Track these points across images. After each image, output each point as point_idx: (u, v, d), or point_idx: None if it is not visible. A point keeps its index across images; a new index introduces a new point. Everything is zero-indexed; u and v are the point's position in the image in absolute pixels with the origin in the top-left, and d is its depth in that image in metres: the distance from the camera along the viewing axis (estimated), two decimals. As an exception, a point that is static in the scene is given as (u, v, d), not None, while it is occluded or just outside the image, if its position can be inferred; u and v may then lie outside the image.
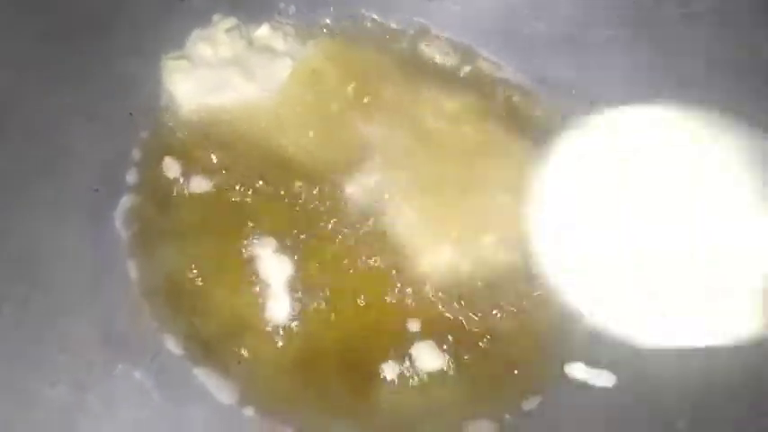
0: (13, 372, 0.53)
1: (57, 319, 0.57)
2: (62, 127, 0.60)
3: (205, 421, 0.61)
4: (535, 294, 0.65)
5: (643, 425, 0.61)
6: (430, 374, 0.63)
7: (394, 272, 0.65)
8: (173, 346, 0.62)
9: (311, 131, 0.68)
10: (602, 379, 0.63)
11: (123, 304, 0.61)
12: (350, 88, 0.70)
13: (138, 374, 0.59)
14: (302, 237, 0.65)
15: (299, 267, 0.64)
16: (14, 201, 0.57)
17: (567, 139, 0.65)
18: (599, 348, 0.64)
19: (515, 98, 0.72)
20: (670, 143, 0.63)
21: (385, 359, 0.63)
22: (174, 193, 0.65)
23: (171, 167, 0.66)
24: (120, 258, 0.63)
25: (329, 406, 0.62)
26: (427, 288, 0.65)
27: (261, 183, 0.66)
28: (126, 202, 0.65)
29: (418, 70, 0.72)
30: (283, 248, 0.64)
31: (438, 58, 0.74)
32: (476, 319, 0.64)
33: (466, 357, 0.63)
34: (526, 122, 0.71)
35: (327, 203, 0.66)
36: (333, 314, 0.64)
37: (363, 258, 0.65)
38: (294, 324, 0.63)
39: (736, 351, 0.58)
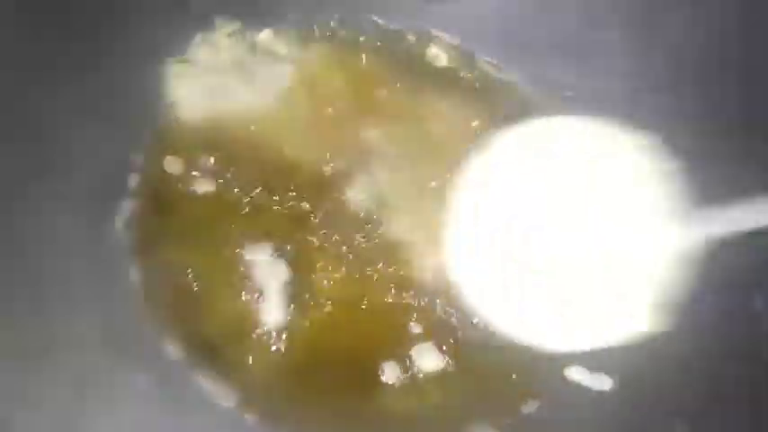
0: (14, 373, 0.53)
1: (57, 321, 0.57)
2: (63, 130, 0.60)
3: (206, 425, 0.61)
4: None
5: (642, 428, 0.61)
6: (430, 377, 0.63)
7: (394, 275, 0.65)
8: (173, 349, 0.62)
9: (312, 136, 0.68)
10: (601, 382, 0.63)
11: (124, 307, 0.62)
12: (351, 93, 0.70)
13: (138, 377, 0.59)
14: (302, 240, 0.65)
15: (299, 271, 0.64)
16: (15, 202, 0.57)
17: (488, 148, 0.66)
18: (598, 351, 0.64)
19: (515, 101, 0.73)
20: (583, 154, 0.64)
21: (385, 362, 0.63)
22: (176, 197, 0.65)
23: (172, 171, 0.66)
24: (122, 261, 0.63)
25: (329, 409, 0.62)
26: (427, 291, 0.65)
27: (262, 187, 0.66)
28: (127, 205, 0.65)
29: (419, 75, 0.72)
30: (283, 253, 0.65)
31: (438, 63, 0.74)
32: (475, 321, 0.64)
33: (466, 360, 0.63)
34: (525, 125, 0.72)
35: (327, 208, 0.66)
36: (333, 318, 0.64)
37: (363, 261, 0.65)
38: (294, 328, 0.63)
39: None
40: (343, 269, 0.65)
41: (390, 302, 0.64)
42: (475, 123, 0.71)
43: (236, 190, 0.66)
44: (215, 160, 0.67)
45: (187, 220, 0.65)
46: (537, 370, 0.64)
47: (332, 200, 0.66)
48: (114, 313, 0.61)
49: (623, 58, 0.68)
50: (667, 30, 0.66)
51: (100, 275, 0.61)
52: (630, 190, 0.63)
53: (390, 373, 0.63)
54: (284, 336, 0.63)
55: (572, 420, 0.63)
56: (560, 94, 0.72)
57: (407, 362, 0.63)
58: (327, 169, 0.67)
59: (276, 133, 0.68)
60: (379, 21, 0.73)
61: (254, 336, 0.62)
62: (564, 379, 0.64)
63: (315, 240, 0.65)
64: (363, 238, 0.66)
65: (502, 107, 0.72)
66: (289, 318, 0.63)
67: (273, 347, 0.62)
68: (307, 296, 0.64)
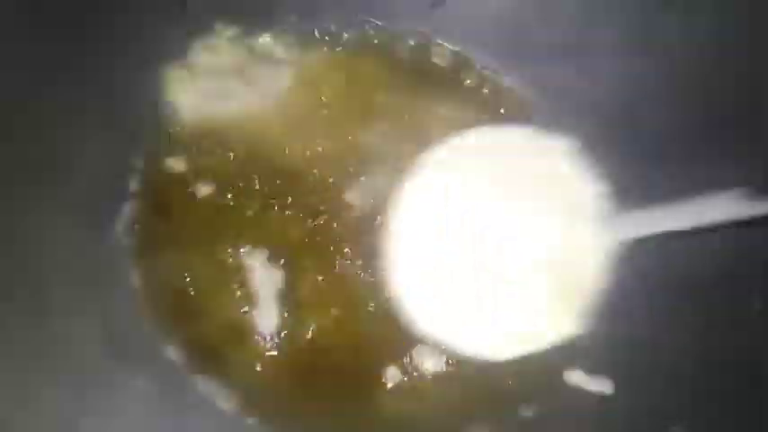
0: (14, 374, 0.53)
1: (57, 323, 0.57)
2: (63, 133, 0.60)
3: (206, 427, 0.61)
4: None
5: (640, 430, 0.61)
6: (430, 379, 0.63)
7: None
8: (173, 352, 0.62)
9: (312, 140, 0.68)
10: (600, 385, 0.63)
11: (124, 309, 0.62)
12: (350, 96, 0.70)
13: (139, 380, 0.59)
14: (300, 243, 0.65)
15: (299, 274, 0.64)
16: (15, 204, 0.57)
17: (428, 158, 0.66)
18: (597, 354, 0.64)
19: (516, 105, 0.73)
20: (512, 163, 0.65)
21: (385, 364, 0.63)
22: (175, 200, 0.66)
23: (172, 174, 0.66)
24: (122, 264, 0.63)
25: (330, 411, 0.62)
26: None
27: (261, 190, 0.66)
28: (127, 209, 0.65)
29: (419, 78, 0.73)
30: (282, 255, 0.65)
31: (439, 66, 0.74)
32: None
33: (465, 362, 0.63)
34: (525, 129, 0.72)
35: (326, 211, 0.66)
36: (333, 320, 0.64)
37: (363, 263, 0.65)
38: (295, 331, 0.63)
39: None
40: (343, 271, 0.65)
41: (390, 305, 0.64)
42: (475, 125, 0.71)
43: (235, 193, 0.66)
44: (215, 163, 0.67)
45: (186, 222, 0.65)
46: (536, 372, 0.64)
47: (331, 203, 0.66)
48: (114, 315, 0.61)
49: (621, 61, 0.68)
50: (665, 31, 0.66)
51: (100, 277, 0.61)
52: (558, 195, 0.64)
53: (390, 376, 0.63)
54: (284, 339, 0.63)
55: (571, 423, 0.62)
56: (559, 97, 0.72)
57: (407, 364, 0.63)
58: (327, 172, 0.67)
59: (276, 137, 0.68)
60: (379, 24, 0.73)
61: (253, 338, 0.63)
62: (563, 381, 0.64)
63: (313, 243, 0.65)
64: (362, 238, 0.66)
65: (501, 110, 0.72)
66: (289, 320, 0.63)
67: (272, 350, 0.62)
68: (306, 299, 0.64)
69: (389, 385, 0.63)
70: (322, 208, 0.66)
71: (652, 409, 0.60)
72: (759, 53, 0.63)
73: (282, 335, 0.63)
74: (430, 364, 0.63)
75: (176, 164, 0.67)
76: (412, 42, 0.74)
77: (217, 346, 0.62)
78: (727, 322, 0.61)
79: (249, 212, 0.66)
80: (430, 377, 0.63)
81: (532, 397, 0.64)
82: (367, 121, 0.70)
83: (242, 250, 0.64)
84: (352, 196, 0.67)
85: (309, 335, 0.63)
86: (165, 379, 0.60)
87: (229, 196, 0.66)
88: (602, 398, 0.62)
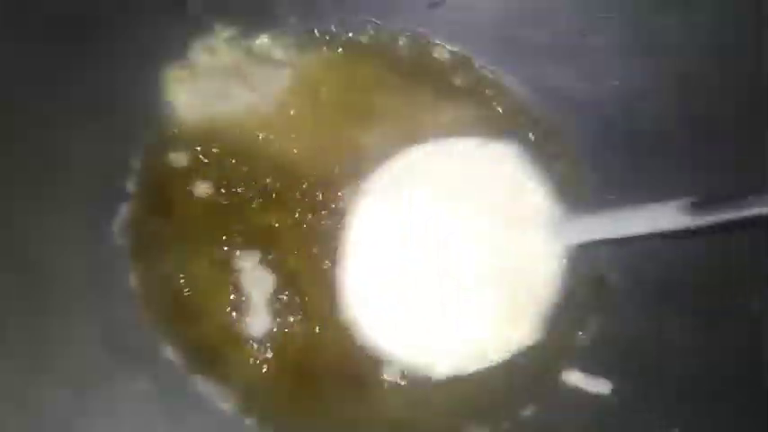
0: (13, 376, 0.54)
1: (56, 324, 0.57)
2: (62, 134, 0.60)
3: (205, 428, 0.61)
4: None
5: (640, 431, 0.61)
6: (429, 380, 0.63)
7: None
8: (172, 353, 0.62)
9: (310, 141, 0.68)
10: (600, 385, 0.63)
11: (123, 310, 0.62)
12: (349, 97, 0.70)
13: (137, 381, 0.59)
14: (298, 244, 0.65)
15: (298, 275, 0.64)
16: (14, 203, 0.57)
17: (387, 171, 0.66)
18: (596, 355, 0.64)
19: (514, 106, 0.73)
20: (463, 176, 0.65)
21: (384, 365, 0.63)
22: (174, 202, 0.65)
23: (170, 175, 0.66)
24: (120, 264, 0.63)
25: (329, 412, 0.62)
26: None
27: (260, 191, 0.66)
28: (126, 209, 0.65)
29: (417, 79, 0.72)
30: (281, 256, 0.65)
31: (438, 66, 0.73)
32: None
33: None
34: (525, 131, 0.72)
35: (325, 212, 0.66)
36: (332, 321, 0.64)
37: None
38: (294, 332, 0.63)
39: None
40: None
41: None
42: (473, 127, 0.71)
43: (233, 194, 0.66)
44: (214, 164, 0.67)
45: (185, 223, 0.65)
46: (535, 372, 0.64)
47: (330, 203, 0.66)
48: (113, 316, 0.61)
49: (621, 61, 0.68)
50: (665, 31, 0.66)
51: (98, 278, 0.61)
52: (508, 203, 0.64)
53: (390, 376, 0.63)
54: (282, 339, 0.63)
55: (570, 423, 0.62)
56: (559, 97, 0.71)
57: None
58: (326, 173, 0.67)
59: (274, 138, 0.68)
60: (378, 24, 0.73)
61: (252, 338, 0.63)
62: (562, 382, 0.64)
63: (312, 243, 0.65)
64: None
65: (500, 111, 0.72)
66: (287, 321, 0.63)
67: (271, 351, 0.62)
68: (305, 300, 0.64)
69: (389, 386, 0.63)
70: (321, 209, 0.66)
71: (651, 410, 0.60)
72: (760, 53, 0.63)
73: (281, 336, 0.63)
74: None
75: (175, 164, 0.67)
76: (411, 43, 0.74)
77: (216, 346, 0.62)
78: (726, 323, 0.61)
79: (247, 213, 0.65)
80: (430, 378, 0.63)
81: (532, 397, 0.64)
82: (366, 121, 0.70)
83: (239, 251, 0.64)
84: (353, 197, 0.67)
85: (308, 336, 0.63)
86: (164, 379, 0.60)
87: (228, 197, 0.66)
88: (601, 398, 0.62)
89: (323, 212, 0.66)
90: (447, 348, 0.62)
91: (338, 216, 0.66)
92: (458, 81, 0.73)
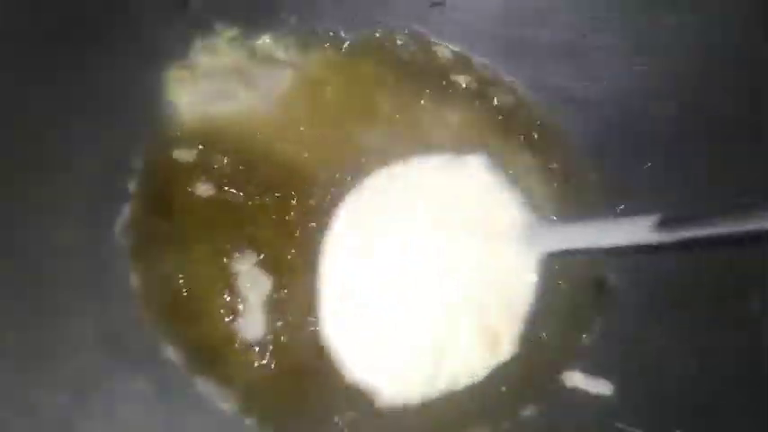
0: (12, 377, 0.54)
1: (55, 323, 0.57)
2: (62, 134, 0.60)
3: (205, 428, 0.61)
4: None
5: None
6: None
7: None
8: (172, 353, 0.62)
9: (311, 140, 0.68)
10: (601, 386, 0.63)
11: (123, 310, 0.62)
12: (351, 98, 0.70)
13: (137, 381, 0.59)
14: (299, 245, 0.65)
15: (297, 276, 0.64)
16: (14, 204, 0.57)
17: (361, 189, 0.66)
18: (597, 355, 0.64)
19: (515, 106, 0.73)
20: (436, 192, 0.64)
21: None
22: (175, 202, 0.65)
23: (171, 176, 0.66)
24: (121, 264, 0.63)
25: (328, 413, 0.62)
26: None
27: (261, 192, 0.66)
28: (126, 209, 0.64)
29: (418, 78, 0.72)
30: (281, 257, 0.64)
31: (439, 66, 0.73)
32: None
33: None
34: (525, 131, 0.72)
35: (325, 212, 0.66)
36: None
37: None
38: (295, 333, 0.63)
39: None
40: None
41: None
42: (475, 128, 0.71)
43: (234, 194, 0.66)
44: (215, 164, 0.66)
45: (185, 223, 0.64)
46: (536, 372, 0.64)
47: (331, 204, 0.66)
48: (113, 316, 0.61)
49: (621, 61, 0.68)
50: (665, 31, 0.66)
51: (99, 278, 0.61)
52: (479, 218, 0.63)
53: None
54: (283, 340, 0.63)
55: (571, 423, 0.62)
56: (559, 97, 0.72)
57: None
58: (327, 173, 0.67)
59: (276, 138, 0.68)
60: (379, 24, 0.73)
61: (252, 339, 0.62)
62: (563, 382, 0.64)
63: (312, 244, 0.65)
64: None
65: (501, 112, 0.72)
66: (287, 322, 0.63)
67: (271, 351, 0.62)
68: (304, 301, 0.64)
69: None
70: (320, 210, 0.66)
71: (652, 411, 0.60)
72: (760, 53, 0.63)
73: (282, 336, 0.63)
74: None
75: (176, 164, 0.66)
76: (411, 42, 0.74)
77: (216, 346, 0.62)
78: (726, 323, 0.61)
79: (248, 213, 0.65)
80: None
81: (532, 397, 0.64)
82: (367, 121, 0.70)
83: (239, 252, 0.64)
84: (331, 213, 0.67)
85: (308, 336, 0.63)
86: (164, 379, 0.60)
87: (229, 197, 0.66)
88: (601, 399, 0.62)
89: (322, 213, 0.66)
90: (420, 371, 0.61)
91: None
92: (458, 81, 0.73)
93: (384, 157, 0.68)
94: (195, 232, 0.64)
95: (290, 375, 0.62)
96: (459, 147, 0.69)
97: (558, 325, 0.65)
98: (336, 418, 0.62)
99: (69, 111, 0.61)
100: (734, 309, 0.61)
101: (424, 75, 0.73)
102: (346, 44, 0.73)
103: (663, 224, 0.48)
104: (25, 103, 0.59)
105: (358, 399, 0.62)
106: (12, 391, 0.53)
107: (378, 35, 0.73)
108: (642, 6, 0.67)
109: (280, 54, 0.71)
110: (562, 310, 0.66)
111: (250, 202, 0.66)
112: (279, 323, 0.63)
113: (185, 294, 0.63)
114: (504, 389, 0.63)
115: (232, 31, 0.70)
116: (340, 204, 0.65)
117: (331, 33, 0.72)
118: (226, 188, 0.66)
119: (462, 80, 0.73)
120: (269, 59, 0.71)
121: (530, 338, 0.64)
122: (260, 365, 0.62)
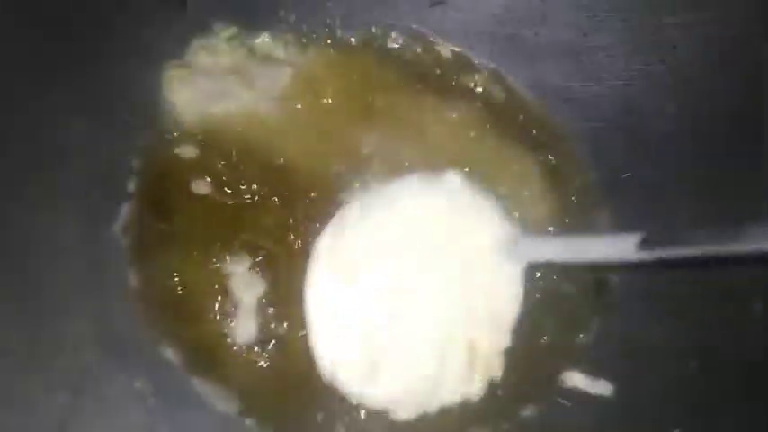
0: (11, 376, 0.53)
1: (55, 324, 0.57)
2: (61, 133, 0.60)
3: (203, 429, 0.61)
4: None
5: (640, 432, 0.61)
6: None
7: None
8: (171, 353, 0.62)
9: (311, 140, 0.68)
10: (601, 387, 0.63)
11: (121, 310, 0.61)
12: (350, 97, 0.70)
13: (136, 381, 0.59)
14: (298, 245, 0.65)
15: (296, 276, 0.64)
16: (12, 204, 0.57)
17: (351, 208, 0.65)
18: (597, 356, 0.64)
19: (515, 106, 0.72)
20: (416, 212, 0.63)
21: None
22: (173, 202, 0.65)
23: (170, 175, 0.66)
24: (119, 264, 0.63)
25: (327, 413, 0.62)
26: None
27: (260, 191, 0.66)
28: (125, 209, 0.64)
29: (419, 78, 0.72)
30: (279, 257, 0.64)
31: (439, 66, 0.73)
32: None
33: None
34: (525, 131, 0.72)
35: (325, 212, 0.65)
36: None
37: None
38: (293, 333, 0.63)
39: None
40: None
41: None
42: (474, 128, 0.71)
43: (233, 194, 0.66)
44: (213, 164, 0.66)
45: (184, 223, 0.64)
46: (535, 373, 0.64)
47: (330, 204, 0.66)
48: (111, 316, 0.61)
49: (621, 61, 0.68)
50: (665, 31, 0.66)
51: (97, 278, 0.61)
52: (461, 233, 0.62)
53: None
54: (282, 340, 0.62)
55: (571, 424, 0.63)
56: (559, 97, 0.71)
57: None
58: (326, 173, 0.67)
59: (275, 137, 0.68)
60: (379, 24, 0.73)
61: (250, 339, 0.62)
62: (563, 382, 0.64)
63: (310, 244, 0.65)
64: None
65: (501, 111, 0.72)
66: (286, 322, 0.63)
67: (270, 352, 0.62)
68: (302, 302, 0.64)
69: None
70: (319, 211, 0.66)
71: (652, 412, 0.60)
72: (760, 53, 0.63)
73: (281, 336, 0.63)
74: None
75: (175, 164, 0.66)
76: (412, 42, 0.73)
77: (213, 346, 0.62)
78: (727, 325, 0.61)
79: (246, 213, 0.65)
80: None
81: (532, 398, 0.64)
82: (366, 120, 0.69)
83: (238, 252, 0.64)
84: (352, 197, 0.67)
85: (304, 338, 0.62)
86: (163, 380, 0.60)
87: (228, 197, 0.66)
88: (601, 399, 0.62)
89: (321, 215, 0.65)
90: (407, 390, 0.61)
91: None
92: (459, 80, 0.73)
93: (384, 156, 0.68)
94: (194, 232, 0.64)
95: (288, 376, 0.62)
96: (446, 158, 0.68)
97: (557, 325, 0.65)
98: (335, 419, 0.61)
99: (68, 110, 0.61)
100: (734, 309, 0.61)
101: (424, 74, 0.73)
102: (346, 43, 0.72)
103: (647, 242, 0.48)
104: (24, 103, 0.58)
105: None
106: (10, 391, 0.53)
107: (377, 34, 0.73)
108: (642, 6, 0.67)
109: (279, 53, 0.71)
110: (562, 310, 0.66)
111: (248, 201, 0.65)
112: (274, 325, 0.63)
113: (183, 295, 0.63)
114: (503, 390, 0.63)
115: (231, 30, 0.70)
116: (331, 216, 0.65)
117: (331, 32, 0.72)
118: (224, 187, 0.66)
119: (462, 80, 0.73)
120: (268, 58, 0.71)
121: (529, 339, 0.64)
122: (257, 366, 0.62)
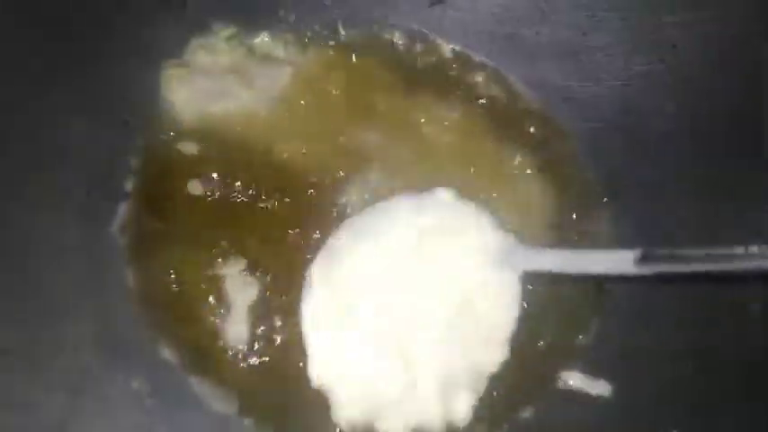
0: (10, 376, 0.53)
1: (53, 324, 0.57)
2: (60, 133, 0.60)
3: (201, 429, 0.61)
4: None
5: (639, 432, 0.61)
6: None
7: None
8: (169, 353, 0.62)
9: (310, 139, 0.68)
10: (600, 388, 0.63)
11: (120, 310, 0.61)
12: (349, 96, 0.70)
13: (134, 381, 0.59)
14: (297, 245, 0.65)
15: (294, 276, 0.64)
16: (10, 204, 0.57)
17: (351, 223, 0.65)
18: (596, 357, 0.64)
19: (514, 105, 0.72)
20: (410, 227, 0.62)
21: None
22: (172, 201, 0.65)
23: (169, 175, 0.66)
24: (117, 264, 0.63)
25: (326, 413, 0.62)
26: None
27: (259, 191, 0.66)
28: (124, 208, 0.64)
29: (418, 77, 0.72)
30: (278, 257, 0.64)
31: (437, 66, 0.73)
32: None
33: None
34: (524, 129, 0.71)
35: (324, 212, 0.66)
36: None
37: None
38: (292, 333, 0.62)
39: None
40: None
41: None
42: (474, 127, 0.71)
43: (232, 193, 0.65)
44: (212, 163, 0.66)
45: (182, 222, 0.64)
46: (535, 373, 0.64)
47: (329, 203, 0.66)
48: (109, 316, 0.60)
49: (621, 61, 0.68)
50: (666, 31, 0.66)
51: (97, 278, 0.61)
52: (456, 244, 0.62)
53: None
54: (281, 340, 0.62)
55: (570, 424, 0.62)
56: (559, 97, 0.71)
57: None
58: (325, 172, 0.67)
59: (274, 137, 0.67)
60: (379, 23, 0.73)
61: (249, 339, 0.62)
62: (562, 383, 0.64)
63: (308, 244, 0.65)
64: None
65: (500, 110, 0.72)
66: (285, 322, 0.63)
67: (269, 351, 0.62)
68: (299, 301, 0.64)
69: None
70: (320, 209, 0.66)
71: (651, 412, 0.60)
72: (760, 53, 0.63)
73: (277, 337, 0.62)
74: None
75: (173, 164, 0.66)
76: (411, 41, 0.74)
77: (212, 347, 0.62)
78: (726, 325, 0.61)
79: (245, 213, 0.65)
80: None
81: (532, 398, 0.64)
82: (366, 119, 0.69)
83: (236, 253, 0.64)
84: (351, 197, 0.67)
85: (300, 339, 0.62)
86: (161, 380, 0.60)
87: (226, 196, 0.65)
88: (600, 399, 0.62)
89: (320, 215, 0.65)
90: (412, 410, 0.60)
91: (338, 215, 0.65)
92: (459, 79, 0.73)
93: (383, 156, 0.68)
94: (192, 232, 0.64)
95: (286, 376, 0.62)
96: (445, 157, 0.69)
97: (557, 326, 0.65)
98: (333, 419, 0.61)
99: (67, 110, 0.61)
100: (733, 310, 0.60)
101: (424, 73, 0.73)
102: (346, 42, 0.72)
103: (646, 258, 0.48)
104: (24, 103, 0.59)
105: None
106: (9, 391, 0.53)
107: (377, 33, 0.73)
108: (641, 6, 0.67)
109: (278, 52, 0.71)
110: (561, 310, 0.66)
111: (246, 201, 0.65)
112: (271, 325, 0.63)
113: (181, 295, 0.63)
114: (503, 390, 0.62)
115: (230, 30, 0.70)
116: (331, 216, 0.65)
117: (330, 31, 0.72)
118: (223, 187, 0.65)
119: (462, 78, 0.73)
120: (267, 58, 0.71)
121: (529, 340, 0.64)
122: (254, 366, 0.62)
